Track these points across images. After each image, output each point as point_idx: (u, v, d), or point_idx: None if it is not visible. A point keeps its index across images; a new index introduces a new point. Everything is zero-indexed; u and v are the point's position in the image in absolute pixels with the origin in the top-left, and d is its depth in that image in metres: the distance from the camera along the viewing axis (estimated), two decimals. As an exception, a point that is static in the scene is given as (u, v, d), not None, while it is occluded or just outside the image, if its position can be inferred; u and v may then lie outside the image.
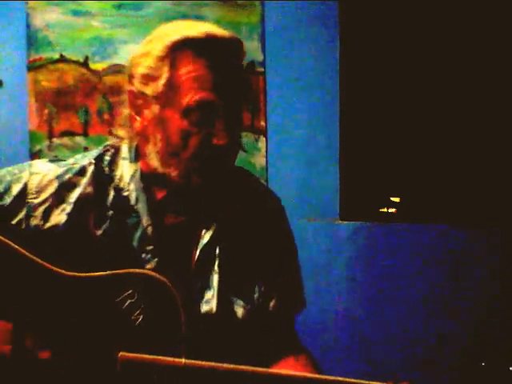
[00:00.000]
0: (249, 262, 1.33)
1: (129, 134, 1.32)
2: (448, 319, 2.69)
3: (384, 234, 2.76)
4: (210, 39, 1.22)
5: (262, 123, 2.79)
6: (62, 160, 1.36)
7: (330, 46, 2.76)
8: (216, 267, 1.30)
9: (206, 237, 1.30)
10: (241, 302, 1.31)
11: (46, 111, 2.78)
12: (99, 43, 2.75)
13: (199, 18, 2.74)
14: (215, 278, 1.29)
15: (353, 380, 1.11)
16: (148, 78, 1.24)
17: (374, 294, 2.74)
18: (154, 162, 1.27)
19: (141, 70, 1.25)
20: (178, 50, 1.22)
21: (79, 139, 2.77)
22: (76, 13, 2.77)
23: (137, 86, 1.25)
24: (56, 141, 2.78)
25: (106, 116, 2.75)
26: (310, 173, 2.78)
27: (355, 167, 2.81)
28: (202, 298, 1.28)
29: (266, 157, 2.79)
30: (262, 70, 2.78)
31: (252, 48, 2.76)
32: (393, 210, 2.87)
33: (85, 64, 2.77)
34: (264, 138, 2.79)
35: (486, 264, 2.67)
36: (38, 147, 2.77)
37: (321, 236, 2.76)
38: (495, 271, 2.66)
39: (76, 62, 2.77)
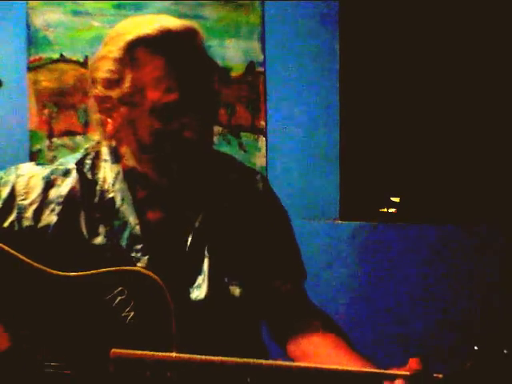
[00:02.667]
0: (241, 240, 1.34)
1: (103, 137, 1.32)
2: (448, 319, 2.69)
3: (384, 234, 2.76)
4: (164, 34, 1.21)
5: (262, 123, 2.79)
6: (47, 164, 1.37)
7: (330, 45, 2.76)
8: (206, 252, 1.30)
9: (195, 225, 1.31)
10: (237, 282, 1.31)
11: (46, 111, 2.77)
12: (99, 43, 2.73)
13: (199, 17, 2.74)
14: (205, 263, 1.30)
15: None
16: (110, 82, 1.23)
17: (374, 294, 2.74)
18: (131, 162, 1.28)
19: (101, 74, 1.24)
20: (134, 50, 1.21)
21: (79, 139, 2.78)
22: (76, 13, 2.76)
23: (101, 90, 1.25)
24: (56, 141, 2.78)
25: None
26: (309, 173, 2.78)
27: (355, 167, 2.81)
28: (193, 283, 1.29)
29: (266, 157, 2.79)
30: (262, 70, 2.77)
31: (252, 48, 2.76)
32: (393, 210, 2.87)
33: (85, 64, 2.76)
34: (264, 138, 2.79)
35: (485, 264, 2.67)
36: (37, 147, 2.77)
37: (321, 236, 2.76)
38: (495, 271, 2.66)
39: (76, 62, 2.77)
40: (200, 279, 1.29)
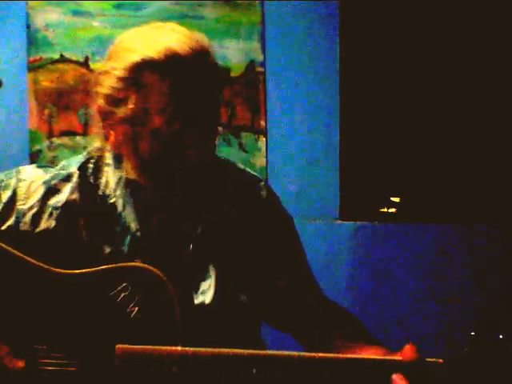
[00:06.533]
0: (245, 247, 1.34)
1: (105, 146, 1.31)
2: (448, 319, 2.69)
3: (384, 234, 2.76)
4: (170, 59, 1.17)
5: (262, 123, 2.79)
6: (49, 166, 1.37)
7: (330, 45, 2.76)
8: (210, 258, 1.30)
9: (198, 229, 1.31)
10: (243, 288, 1.31)
11: (46, 111, 2.78)
12: (99, 43, 2.75)
13: (199, 18, 2.74)
14: (211, 269, 1.30)
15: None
16: (114, 99, 1.21)
17: (373, 294, 2.74)
18: (132, 175, 1.28)
19: (104, 90, 1.22)
20: (139, 73, 1.18)
21: (79, 139, 2.78)
22: (76, 13, 2.77)
23: (104, 105, 1.23)
24: (56, 141, 2.78)
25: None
26: (309, 173, 2.78)
27: (355, 167, 2.81)
28: (198, 289, 1.29)
29: (266, 157, 2.79)
30: (262, 70, 2.78)
31: (252, 48, 2.76)
32: (393, 209, 2.87)
33: (85, 64, 2.77)
34: (264, 138, 2.79)
35: (485, 264, 2.67)
36: (37, 147, 2.77)
37: (321, 236, 2.75)
38: (495, 271, 2.66)
39: (76, 62, 2.77)
40: (205, 285, 1.29)
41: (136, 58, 1.18)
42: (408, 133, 2.81)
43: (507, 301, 2.61)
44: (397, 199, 2.87)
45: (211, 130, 1.27)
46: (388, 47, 2.79)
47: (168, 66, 1.18)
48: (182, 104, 1.19)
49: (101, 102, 1.23)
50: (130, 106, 1.19)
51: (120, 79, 1.20)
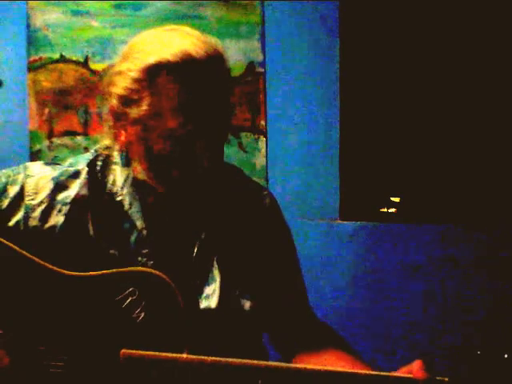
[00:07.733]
0: (247, 253, 1.35)
1: (114, 145, 1.31)
2: (448, 319, 2.69)
3: (384, 234, 2.76)
4: (186, 62, 1.18)
5: (262, 123, 2.79)
6: (56, 164, 1.37)
7: (330, 46, 2.76)
8: (215, 263, 1.31)
9: (203, 233, 1.31)
10: (246, 295, 1.32)
11: (46, 111, 2.78)
12: (99, 43, 2.75)
13: (199, 18, 2.74)
14: (216, 274, 1.30)
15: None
16: (128, 100, 1.21)
17: (374, 294, 2.74)
18: (141, 176, 1.28)
19: (118, 90, 1.22)
20: (154, 74, 1.19)
21: (79, 139, 2.78)
22: (76, 13, 2.77)
23: (117, 105, 1.23)
24: (56, 141, 2.78)
25: (106, 116, 2.75)
26: (310, 173, 2.78)
27: (355, 167, 2.81)
28: (202, 293, 1.29)
29: (266, 157, 2.79)
30: (262, 70, 2.78)
31: (252, 48, 2.76)
32: (393, 209, 2.87)
33: (85, 64, 2.77)
34: (264, 138, 2.79)
35: (485, 264, 2.67)
36: (38, 147, 2.77)
37: (321, 236, 2.76)
38: (495, 271, 2.66)
39: (76, 62, 2.77)
40: (209, 290, 1.29)
41: (152, 60, 1.19)
42: (408, 133, 2.81)
43: (507, 300, 2.61)
44: (397, 199, 2.87)
45: (222, 134, 1.27)
46: (388, 47, 2.79)
47: (183, 68, 1.18)
48: (195, 107, 1.19)
49: (114, 102, 1.24)
50: (144, 107, 1.20)
51: (135, 80, 1.20)
